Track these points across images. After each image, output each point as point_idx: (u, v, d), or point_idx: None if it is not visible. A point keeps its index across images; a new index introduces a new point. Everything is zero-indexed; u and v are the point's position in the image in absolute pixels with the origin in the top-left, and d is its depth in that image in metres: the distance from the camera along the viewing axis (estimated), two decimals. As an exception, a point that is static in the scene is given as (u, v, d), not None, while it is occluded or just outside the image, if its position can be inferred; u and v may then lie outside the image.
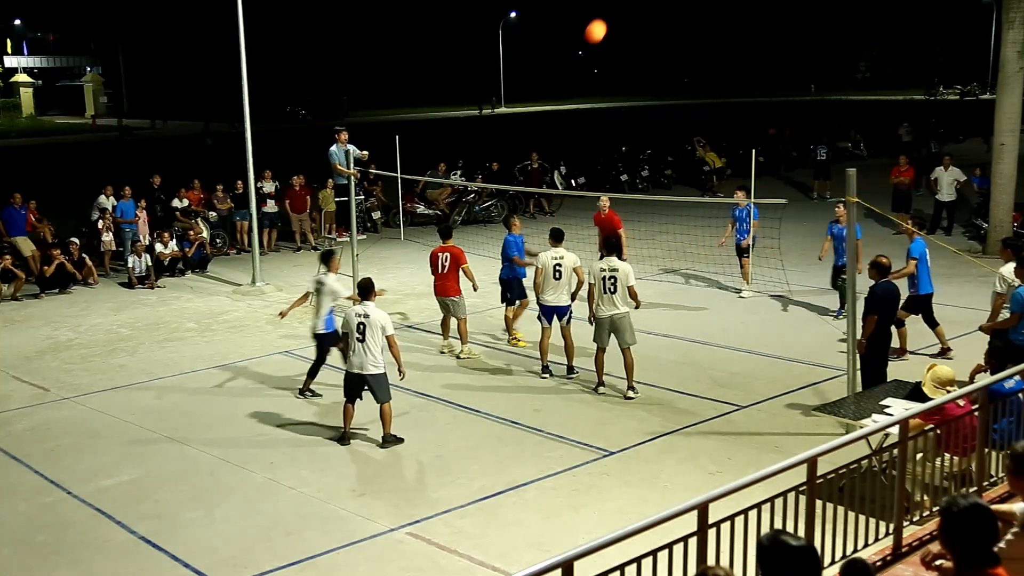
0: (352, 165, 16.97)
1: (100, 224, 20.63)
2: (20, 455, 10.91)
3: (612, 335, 12.22)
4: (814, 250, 17.81)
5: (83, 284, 19.34)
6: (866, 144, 37.06)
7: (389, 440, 10.88)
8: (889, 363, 11.32)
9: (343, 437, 10.97)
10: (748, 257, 17.40)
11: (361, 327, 10.74)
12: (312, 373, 12.53)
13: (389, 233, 24.27)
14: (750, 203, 17.11)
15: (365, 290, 11.07)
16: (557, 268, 13.27)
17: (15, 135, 57.33)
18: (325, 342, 12.31)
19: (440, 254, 14.25)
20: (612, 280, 12.12)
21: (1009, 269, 11.49)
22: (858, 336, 10.95)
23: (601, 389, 12.45)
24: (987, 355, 9.71)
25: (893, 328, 11.87)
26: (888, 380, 10.68)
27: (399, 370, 10.95)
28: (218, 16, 36.83)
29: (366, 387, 10.85)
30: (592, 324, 12.47)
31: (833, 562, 6.76)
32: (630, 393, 12.24)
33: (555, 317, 13.25)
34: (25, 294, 18.59)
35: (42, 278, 18.83)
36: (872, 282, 11.21)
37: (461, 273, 14.22)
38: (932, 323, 13.73)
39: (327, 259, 12.65)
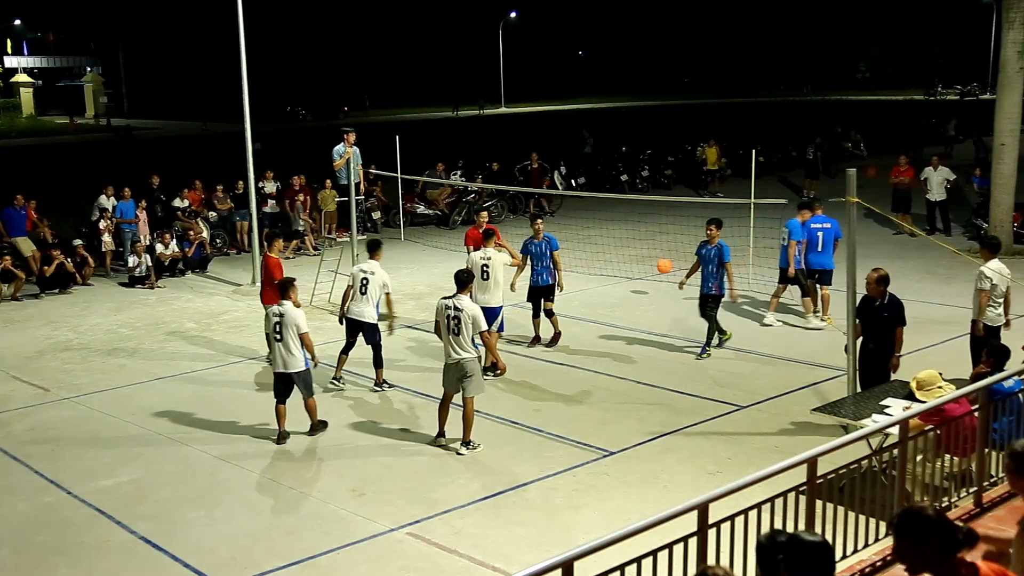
0: (353, 168, 16.97)
1: (101, 224, 20.64)
2: (20, 455, 10.91)
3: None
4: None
5: (83, 284, 19.36)
6: (866, 144, 37.13)
7: (317, 427, 11.21)
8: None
9: (280, 437, 11.04)
10: (717, 310, 14.15)
11: (277, 327, 10.88)
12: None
13: (389, 233, 24.27)
14: (721, 241, 13.87)
15: (283, 288, 11.20)
16: (485, 269, 13.27)
17: (15, 135, 57.26)
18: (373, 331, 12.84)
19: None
20: (456, 321, 10.73)
21: (992, 266, 11.57)
22: (856, 344, 10.78)
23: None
24: (985, 354, 9.72)
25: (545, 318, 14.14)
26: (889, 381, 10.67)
27: (312, 359, 11.17)
28: (219, 16, 36.82)
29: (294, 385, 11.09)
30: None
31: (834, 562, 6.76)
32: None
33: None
34: (25, 294, 18.59)
35: (42, 278, 18.83)
36: (862, 299, 10.87)
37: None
38: (536, 314, 14.50)
39: (374, 249, 13.02)
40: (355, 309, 12.63)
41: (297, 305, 11.22)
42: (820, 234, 15.41)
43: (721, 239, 13.93)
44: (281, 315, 10.88)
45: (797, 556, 4.17)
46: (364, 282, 12.61)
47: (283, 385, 11.09)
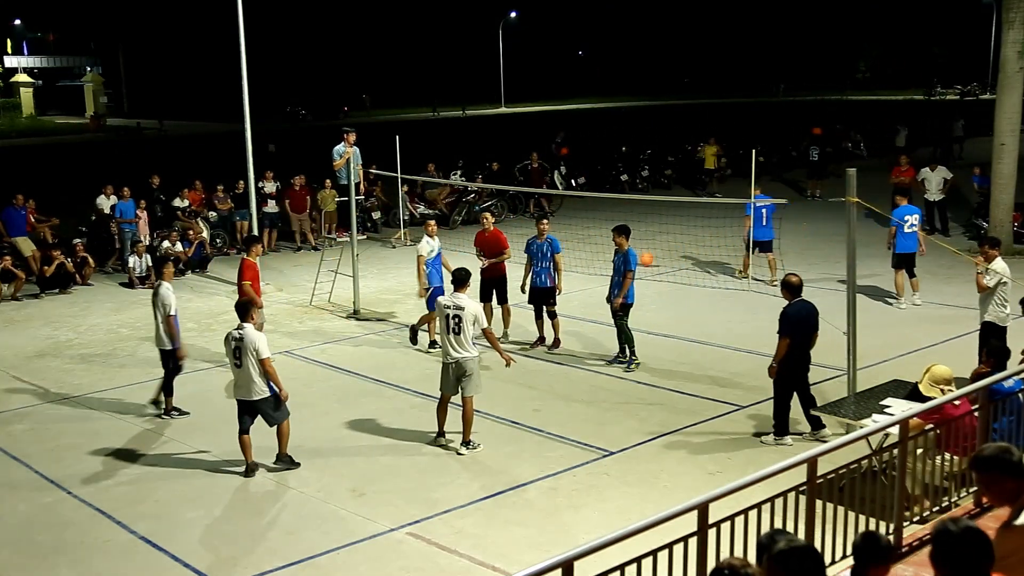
0: (353, 169, 16.96)
1: (111, 225, 20.66)
2: (20, 455, 10.91)
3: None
4: (813, 249, 17.81)
5: (83, 284, 19.36)
6: (866, 144, 37.12)
7: (283, 460, 10.24)
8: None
9: (248, 469, 10.16)
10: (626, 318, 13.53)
11: (237, 351, 9.98)
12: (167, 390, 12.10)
13: (389, 233, 24.27)
14: (630, 249, 13.42)
15: (243, 310, 10.27)
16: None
17: (15, 135, 57.26)
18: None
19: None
20: (456, 320, 10.66)
21: (996, 265, 11.59)
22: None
23: None
24: (985, 354, 9.72)
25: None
26: (889, 380, 10.66)
27: (279, 390, 10.11)
28: (219, 16, 36.84)
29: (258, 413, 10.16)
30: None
31: (833, 562, 6.76)
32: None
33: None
34: (25, 294, 18.59)
35: (42, 278, 18.83)
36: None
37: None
38: (539, 315, 14.60)
39: (159, 266, 12.31)
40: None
41: (259, 328, 10.20)
42: (764, 211, 17.27)
43: (631, 247, 13.37)
44: (240, 339, 9.96)
45: (790, 561, 4.20)
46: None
47: (246, 413, 10.13)
